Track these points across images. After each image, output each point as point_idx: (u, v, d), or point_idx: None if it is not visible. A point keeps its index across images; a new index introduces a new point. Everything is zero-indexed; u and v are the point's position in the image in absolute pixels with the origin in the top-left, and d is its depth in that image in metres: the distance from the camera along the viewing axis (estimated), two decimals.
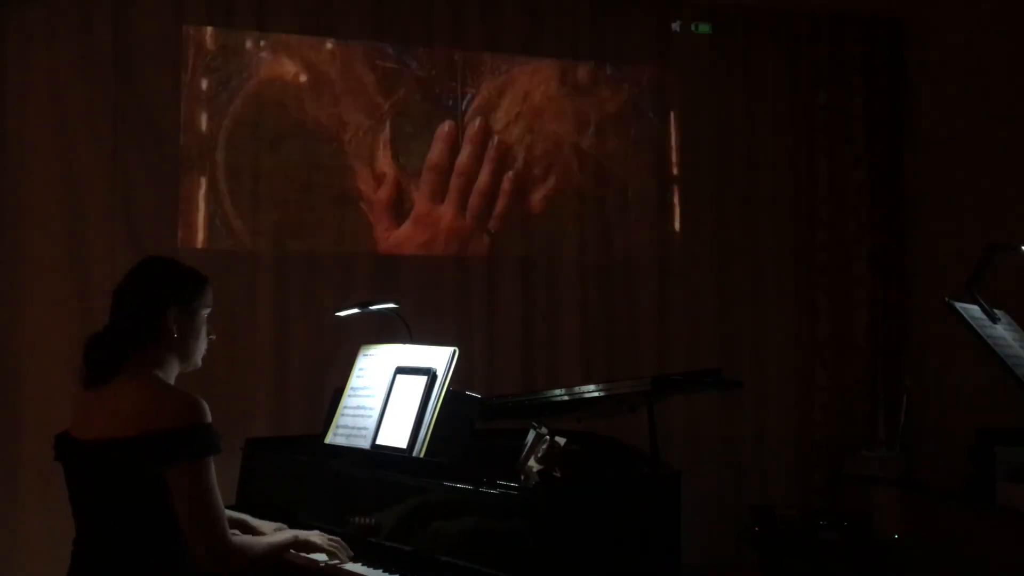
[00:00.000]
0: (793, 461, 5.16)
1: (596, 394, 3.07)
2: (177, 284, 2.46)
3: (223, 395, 4.15)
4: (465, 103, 4.88)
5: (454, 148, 4.85)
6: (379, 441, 2.96)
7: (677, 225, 5.16)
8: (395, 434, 2.92)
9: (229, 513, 2.47)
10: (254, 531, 2.76)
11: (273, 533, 2.71)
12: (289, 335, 4.58)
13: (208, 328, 2.51)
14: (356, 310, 3.56)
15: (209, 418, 2.31)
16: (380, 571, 2.62)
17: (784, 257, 5.25)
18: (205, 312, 2.49)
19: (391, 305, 3.49)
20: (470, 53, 4.88)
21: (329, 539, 2.69)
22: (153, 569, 2.30)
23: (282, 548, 2.56)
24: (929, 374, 4.97)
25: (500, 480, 2.59)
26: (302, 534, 2.65)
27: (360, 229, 4.74)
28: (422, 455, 2.84)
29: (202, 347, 2.50)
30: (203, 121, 4.56)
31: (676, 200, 5.17)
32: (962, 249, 4.52)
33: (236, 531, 2.52)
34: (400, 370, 3.03)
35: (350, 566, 2.66)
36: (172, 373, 2.44)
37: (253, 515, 3.05)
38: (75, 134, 4.38)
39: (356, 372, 3.19)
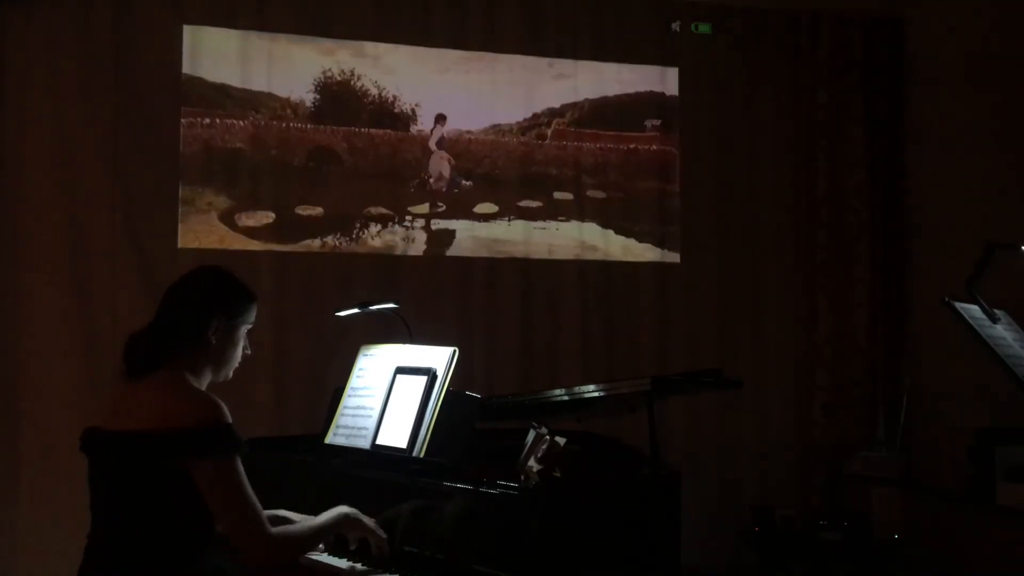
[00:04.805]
0: (793, 461, 5.16)
1: (596, 394, 3.06)
2: (227, 297, 2.51)
3: (223, 395, 4.14)
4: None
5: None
6: (379, 441, 2.96)
7: (677, 224, 5.16)
8: (395, 434, 2.92)
9: (270, 512, 2.48)
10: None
11: (315, 517, 2.65)
12: (289, 335, 4.58)
13: (245, 343, 2.55)
14: (356, 310, 3.56)
15: (230, 420, 2.35)
16: (380, 571, 2.62)
17: (784, 257, 5.25)
18: (246, 328, 2.54)
19: (391, 305, 3.49)
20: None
21: (376, 525, 2.65)
22: (167, 567, 2.30)
23: (329, 527, 2.54)
24: (929, 374, 4.97)
25: (500, 480, 2.59)
26: (351, 512, 2.60)
27: (360, 228, 4.75)
28: (422, 455, 2.84)
29: (236, 360, 2.55)
30: (203, 121, 4.56)
31: (676, 199, 5.17)
32: (962, 249, 4.51)
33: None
34: (400, 370, 3.03)
35: (347, 565, 2.66)
36: (204, 380, 2.49)
37: None
38: (75, 134, 4.38)
39: (356, 372, 3.18)
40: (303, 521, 2.58)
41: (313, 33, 4.70)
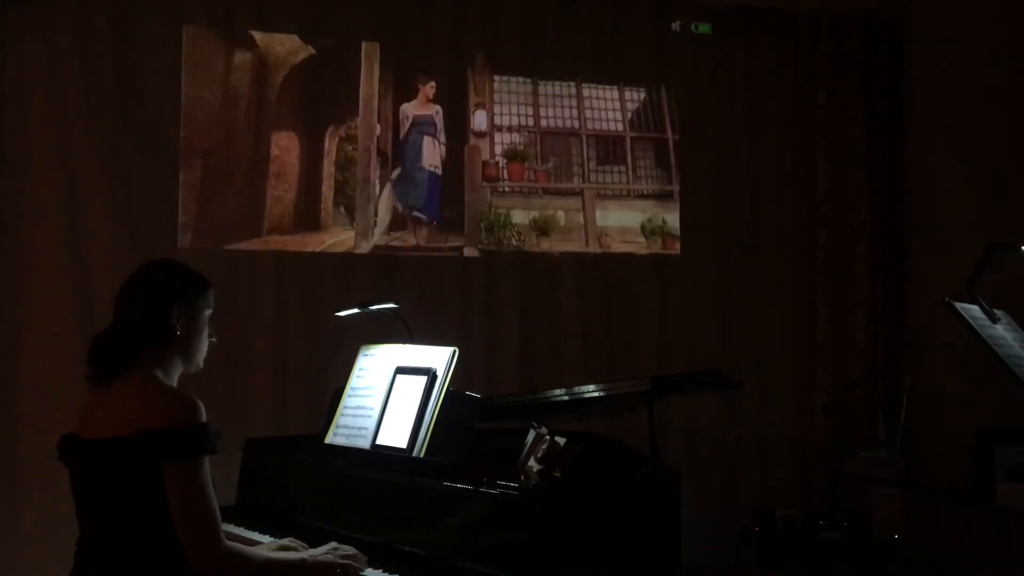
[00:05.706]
0: (793, 461, 5.16)
1: (596, 394, 3.06)
2: (181, 284, 2.49)
3: (223, 395, 4.17)
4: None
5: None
6: (379, 441, 2.96)
7: (677, 224, 5.16)
8: (395, 434, 2.92)
9: (239, 532, 2.43)
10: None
11: (278, 550, 2.59)
12: (289, 335, 4.58)
13: (210, 330, 2.53)
14: (356, 310, 3.56)
15: (204, 418, 2.32)
16: (380, 571, 2.62)
17: (784, 257, 5.25)
18: (207, 313, 2.51)
19: (391, 305, 3.50)
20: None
21: (343, 554, 2.57)
22: (155, 571, 2.29)
23: (285, 567, 2.47)
24: (929, 374, 4.96)
25: (500, 480, 2.59)
26: (312, 557, 2.52)
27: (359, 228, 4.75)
28: (422, 455, 2.84)
29: (204, 348, 2.52)
30: (203, 121, 4.56)
31: (676, 199, 5.17)
32: (962, 249, 4.51)
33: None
34: (400, 370, 3.03)
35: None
36: (174, 373, 2.46)
37: (253, 515, 3.05)
38: (75, 134, 4.38)
39: (356, 372, 3.18)
40: (264, 547, 2.56)
41: (313, 34, 4.71)
